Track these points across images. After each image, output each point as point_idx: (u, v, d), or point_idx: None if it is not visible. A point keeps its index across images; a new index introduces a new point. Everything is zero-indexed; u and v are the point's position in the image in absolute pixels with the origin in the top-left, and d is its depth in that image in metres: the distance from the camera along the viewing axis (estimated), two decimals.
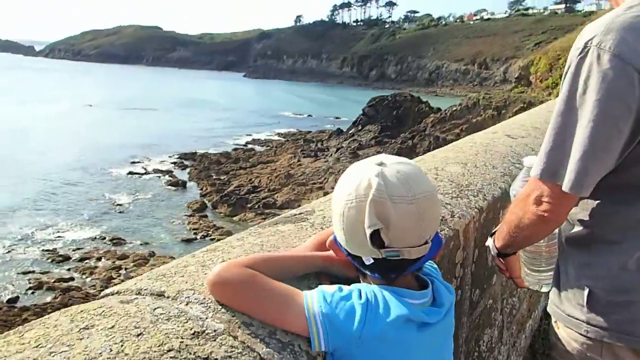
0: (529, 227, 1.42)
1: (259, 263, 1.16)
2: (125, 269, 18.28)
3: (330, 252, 1.28)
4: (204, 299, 1.12)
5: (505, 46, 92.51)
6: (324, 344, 1.06)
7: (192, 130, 47.45)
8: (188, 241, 21.15)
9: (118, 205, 25.99)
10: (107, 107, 61.82)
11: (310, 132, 46.63)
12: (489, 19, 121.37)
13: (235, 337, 1.04)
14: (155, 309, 1.08)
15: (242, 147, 41.27)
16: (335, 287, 1.12)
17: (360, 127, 37.38)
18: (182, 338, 0.99)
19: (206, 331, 1.03)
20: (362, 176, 1.11)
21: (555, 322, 1.57)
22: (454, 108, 35.44)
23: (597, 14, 59.21)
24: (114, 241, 21.18)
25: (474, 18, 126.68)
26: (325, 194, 25.01)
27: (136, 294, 1.16)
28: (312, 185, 28.40)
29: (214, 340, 1.01)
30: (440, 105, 39.63)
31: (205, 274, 1.22)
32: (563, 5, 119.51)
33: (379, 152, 31.49)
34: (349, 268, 1.24)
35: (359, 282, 1.21)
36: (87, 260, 19.36)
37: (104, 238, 21.54)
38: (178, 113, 59.99)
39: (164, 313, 1.06)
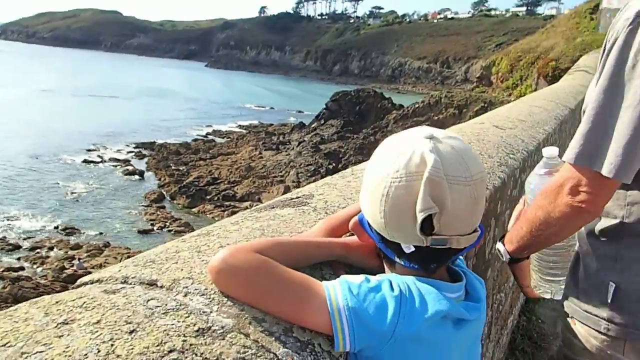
0: (559, 221, 1.25)
1: (270, 248, 0.99)
2: (79, 259, 17.73)
3: (347, 239, 1.12)
4: (206, 289, 0.95)
5: (468, 46, 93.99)
6: (350, 343, 0.89)
7: (151, 119, 46.62)
8: (145, 232, 20.57)
9: (72, 194, 25.27)
10: (63, 93, 60.20)
11: (272, 124, 46.41)
12: (452, 18, 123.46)
13: (246, 335, 0.87)
14: (148, 300, 0.90)
15: (202, 138, 40.71)
16: (361, 277, 0.96)
17: (322, 122, 37.27)
18: (184, 336, 0.82)
19: (212, 328, 0.86)
20: (414, 150, 0.94)
21: (572, 318, 1.47)
22: (417, 105, 35.75)
23: (557, 17, 60.58)
24: (67, 231, 20.57)
25: (438, 17, 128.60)
26: (287, 187, 24.95)
27: (122, 283, 0.98)
28: (272, 178, 28.17)
29: (223, 339, 0.84)
30: (402, 102, 39.92)
31: (203, 260, 1.06)
32: (524, 8, 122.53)
33: (340, 147, 31.53)
34: (370, 256, 1.09)
35: (383, 272, 1.05)
36: (38, 250, 18.74)
37: (57, 227, 20.89)
38: (137, 102, 58.87)
39: (160, 306, 0.89)
